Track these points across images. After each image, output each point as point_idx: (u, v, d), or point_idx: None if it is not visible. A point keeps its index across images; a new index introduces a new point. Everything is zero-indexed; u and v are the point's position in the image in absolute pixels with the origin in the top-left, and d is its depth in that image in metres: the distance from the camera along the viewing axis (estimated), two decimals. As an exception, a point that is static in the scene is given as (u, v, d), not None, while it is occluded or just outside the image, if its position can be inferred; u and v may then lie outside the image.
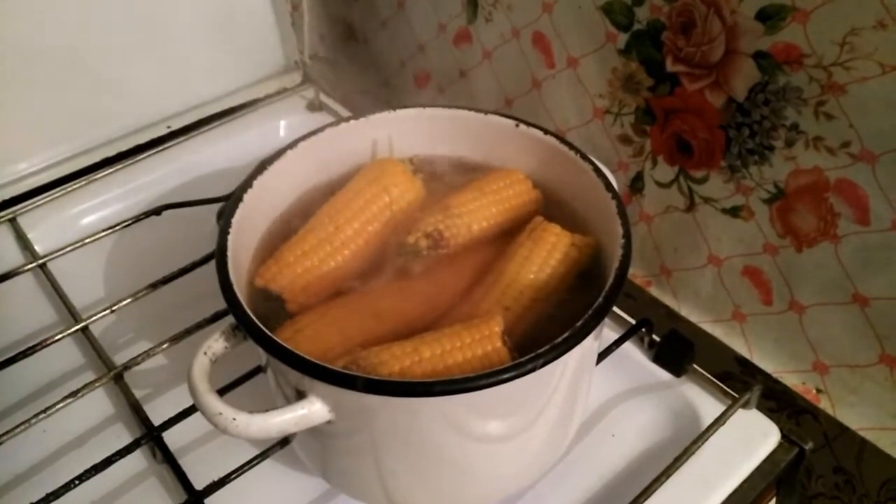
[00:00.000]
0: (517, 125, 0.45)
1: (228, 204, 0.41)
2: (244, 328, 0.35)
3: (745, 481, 0.47)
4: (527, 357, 0.33)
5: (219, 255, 0.38)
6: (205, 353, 0.36)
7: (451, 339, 0.36)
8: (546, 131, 0.45)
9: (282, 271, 0.41)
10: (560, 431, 0.42)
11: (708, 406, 0.50)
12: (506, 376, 0.32)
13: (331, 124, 0.46)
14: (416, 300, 0.42)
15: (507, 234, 0.44)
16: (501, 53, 0.66)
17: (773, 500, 0.50)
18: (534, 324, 0.41)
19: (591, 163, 0.43)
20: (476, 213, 0.43)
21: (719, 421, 0.48)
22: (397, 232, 0.44)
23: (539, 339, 0.34)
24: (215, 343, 0.36)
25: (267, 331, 0.34)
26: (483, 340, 0.36)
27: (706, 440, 0.47)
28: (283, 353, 0.33)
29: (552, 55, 0.61)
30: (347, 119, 0.47)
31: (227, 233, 0.39)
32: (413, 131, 0.47)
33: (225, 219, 0.40)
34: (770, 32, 0.46)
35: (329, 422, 0.35)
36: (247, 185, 0.42)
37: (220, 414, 0.34)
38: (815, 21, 0.43)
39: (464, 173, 0.47)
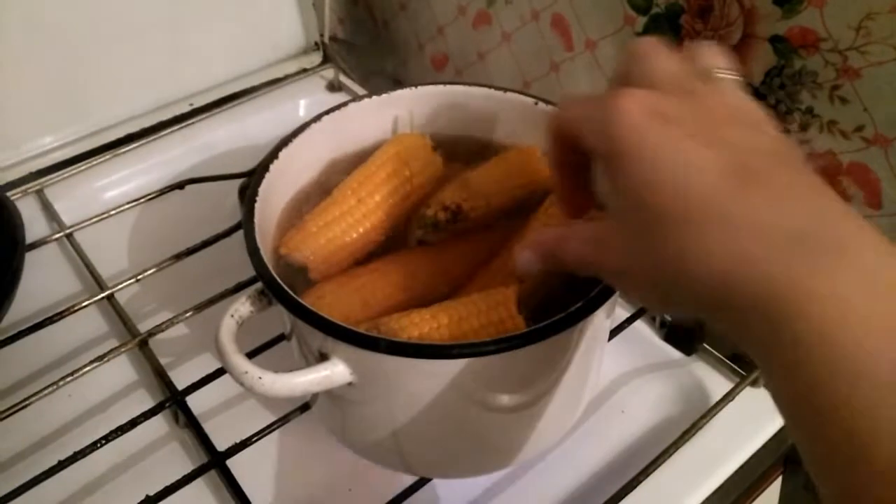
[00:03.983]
0: (536, 103, 0.46)
1: (255, 174, 0.42)
2: (270, 291, 0.36)
3: (751, 458, 0.48)
4: (542, 324, 0.34)
5: (246, 222, 0.39)
6: (231, 316, 0.37)
7: (467, 306, 0.37)
8: (564, 110, 0.46)
9: (305, 241, 0.42)
10: (572, 402, 0.44)
11: (717, 384, 0.51)
12: (524, 340, 0.33)
13: (353, 99, 0.47)
14: (435, 272, 0.43)
15: (525, 210, 0.45)
16: (520, 36, 0.67)
17: (780, 477, 0.51)
18: (548, 297, 0.42)
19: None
20: (494, 188, 0.44)
21: (727, 397, 0.49)
22: (417, 205, 0.45)
23: (553, 311, 0.35)
24: (242, 307, 0.38)
25: (292, 293, 0.36)
26: (499, 307, 0.37)
27: (714, 416, 0.48)
28: (308, 315, 0.34)
29: (571, 38, 0.61)
30: (369, 95, 0.48)
31: (255, 200, 0.40)
32: (433, 108, 0.48)
33: (252, 188, 0.41)
34: (787, 17, 0.47)
35: (350, 384, 0.36)
36: (273, 156, 0.43)
37: (247, 373, 0.35)
38: (831, 5, 0.44)
39: (483, 150, 0.48)
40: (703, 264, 0.25)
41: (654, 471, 0.45)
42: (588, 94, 0.30)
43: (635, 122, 0.26)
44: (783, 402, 0.24)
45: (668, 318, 0.54)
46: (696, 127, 0.26)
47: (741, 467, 0.47)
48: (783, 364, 0.23)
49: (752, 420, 0.49)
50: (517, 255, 0.34)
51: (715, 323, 0.26)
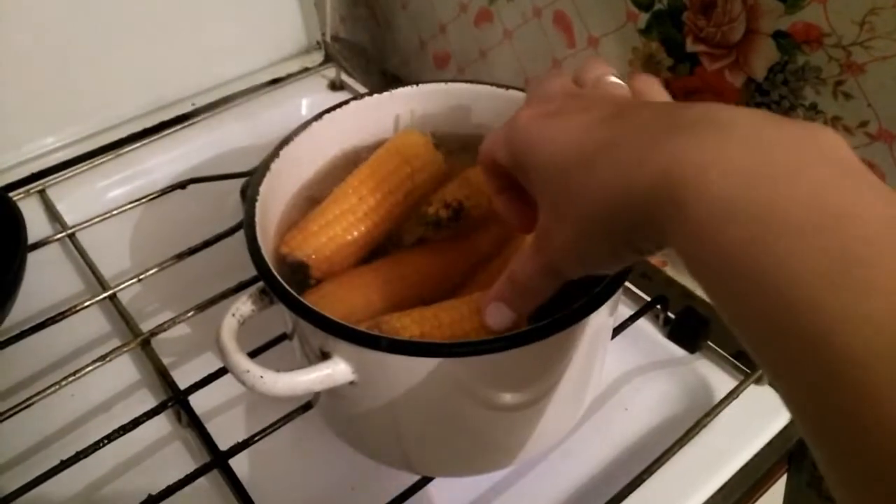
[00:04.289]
0: (538, 101, 0.46)
1: (256, 173, 0.42)
2: (271, 290, 0.36)
3: (756, 455, 0.48)
4: (544, 322, 0.34)
5: (247, 221, 0.39)
6: (233, 315, 0.37)
7: (469, 304, 0.37)
8: (566, 107, 0.46)
9: (307, 240, 0.42)
10: (575, 400, 0.43)
11: (721, 382, 0.51)
12: (526, 339, 0.33)
13: (354, 98, 0.47)
14: (436, 270, 0.43)
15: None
16: (522, 33, 0.66)
17: (784, 474, 0.51)
18: (551, 297, 0.42)
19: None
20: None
21: (732, 395, 0.48)
22: (418, 203, 0.44)
23: (556, 309, 0.35)
24: (243, 305, 0.38)
25: (293, 292, 0.35)
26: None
27: (718, 414, 0.48)
28: (309, 314, 0.34)
29: (573, 35, 0.61)
30: (371, 93, 0.48)
31: (256, 200, 0.40)
32: (435, 106, 0.48)
33: (253, 186, 0.41)
34: (790, 12, 0.46)
35: (352, 383, 0.36)
36: (274, 154, 0.43)
37: (248, 371, 0.35)
38: (834, 0, 0.44)
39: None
40: (604, 190, 0.26)
41: (657, 469, 0.45)
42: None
43: (524, 125, 0.31)
44: (708, 276, 0.24)
45: (672, 315, 0.54)
46: (573, 108, 0.30)
47: (745, 465, 0.47)
48: (694, 238, 0.23)
49: (757, 418, 0.49)
50: (488, 318, 0.36)
51: (643, 244, 0.27)
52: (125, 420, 0.47)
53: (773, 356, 0.22)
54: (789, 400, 0.22)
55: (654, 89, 0.33)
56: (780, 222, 0.21)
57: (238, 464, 0.45)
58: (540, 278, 0.32)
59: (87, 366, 0.50)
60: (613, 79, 0.34)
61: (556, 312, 0.34)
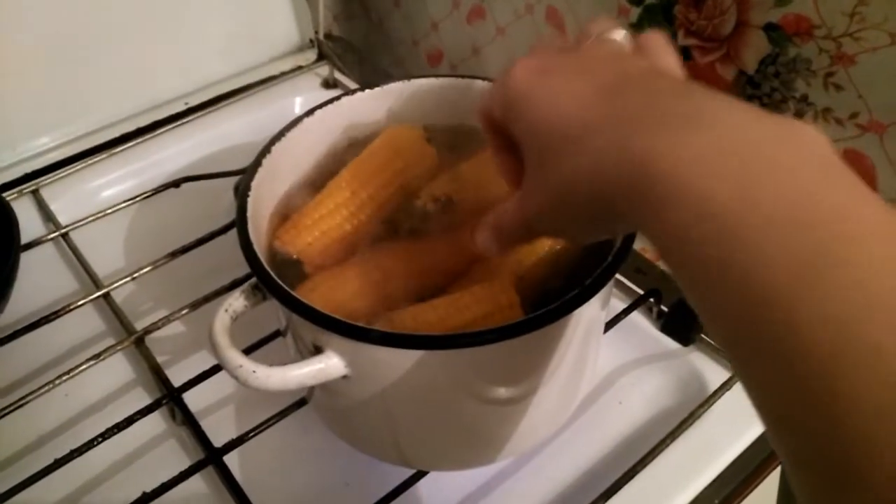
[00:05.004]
0: (529, 95, 0.46)
1: (248, 169, 0.42)
2: (263, 284, 0.36)
3: (750, 447, 0.48)
4: (535, 313, 0.34)
5: (239, 217, 0.39)
6: (226, 311, 0.37)
7: (463, 298, 0.37)
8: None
9: (300, 234, 0.42)
10: (568, 394, 0.43)
11: (715, 374, 0.51)
12: (518, 330, 0.33)
13: (346, 93, 0.47)
14: (428, 263, 0.43)
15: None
16: (515, 29, 0.67)
17: (778, 467, 0.51)
18: (544, 292, 0.42)
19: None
20: (485, 181, 0.44)
21: (725, 387, 0.49)
22: (410, 197, 0.44)
23: (548, 304, 0.35)
24: (236, 301, 0.38)
25: (286, 287, 0.35)
26: (495, 298, 0.37)
27: (711, 406, 0.48)
28: (301, 308, 0.34)
29: (565, 30, 0.61)
30: (363, 89, 0.48)
31: (247, 196, 0.40)
32: (427, 101, 0.48)
33: (244, 183, 0.41)
34: (780, 4, 0.46)
35: (345, 377, 0.36)
36: (266, 151, 0.43)
37: (241, 367, 0.35)
38: (824, -8, 0.44)
39: (476, 142, 0.48)
40: (584, 171, 0.27)
41: (651, 461, 0.45)
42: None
43: (520, 78, 0.31)
44: (681, 270, 0.24)
45: (665, 308, 0.54)
46: (571, 69, 0.30)
47: (739, 457, 0.47)
48: (669, 234, 0.23)
49: (750, 410, 0.48)
50: (476, 238, 0.36)
51: (616, 226, 0.28)
52: (119, 418, 0.47)
53: (741, 353, 0.22)
54: (755, 396, 0.22)
55: (661, 48, 0.33)
56: (759, 216, 0.21)
57: (232, 461, 0.45)
58: (516, 230, 0.33)
59: (81, 364, 0.50)
60: (616, 34, 0.33)
61: (549, 304, 0.34)
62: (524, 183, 0.32)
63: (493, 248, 0.35)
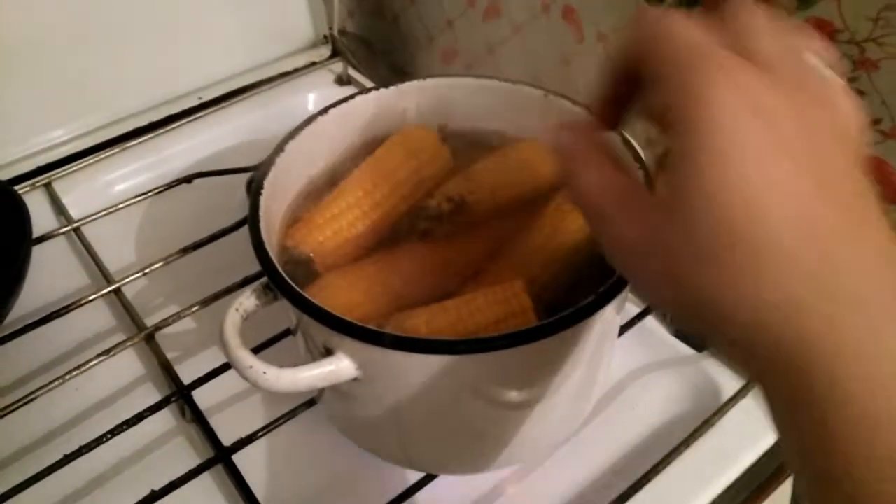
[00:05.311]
0: (546, 95, 0.45)
1: (261, 167, 0.42)
2: (275, 284, 0.36)
3: (763, 455, 0.47)
4: (550, 319, 0.33)
5: (251, 215, 0.39)
6: (236, 310, 0.37)
7: (475, 301, 0.37)
8: (575, 101, 0.45)
9: (312, 233, 0.41)
10: (581, 399, 0.43)
11: (729, 381, 0.50)
12: (532, 336, 0.33)
13: (361, 92, 0.47)
14: (440, 265, 0.42)
15: (532, 204, 0.44)
16: (531, 28, 0.66)
17: (791, 475, 0.50)
18: (558, 295, 0.41)
19: (620, 134, 0.43)
20: (500, 181, 0.44)
21: (739, 395, 0.48)
22: (424, 198, 0.44)
23: (562, 308, 0.34)
24: (247, 300, 0.37)
25: (297, 287, 0.35)
26: (508, 302, 0.36)
27: (725, 413, 0.47)
28: (313, 310, 0.34)
29: (582, 30, 0.61)
30: (378, 87, 0.47)
31: (260, 194, 0.40)
32: (442, 101, 0.48)
33: (257, 181, 0.41)
34: (803, 8, 0.46)
35: (356, 379, 0.36)
36: (279, 149, 0.43)
37: (251, 367, 0.34)
38: (848, -4, 0.43)
39: (491, 143, 0.48)
40: (750, 298, 0.22)
41: (664, 468, 0.45)
42: (693, 33, 0.24)
43: (729, 114, 0.22)
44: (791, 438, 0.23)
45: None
46: (795, 137, 0.22)
47: (753, 465, 0.47)
48: (818, 421, 0.22)
49: (764, 417, 0.48)
50: (555, 133, 0.29)
51: (725, 347, 0.24)
52: (129, 414, 0.47)
53: None
54: None
55: (811, 40, 0.26)
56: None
57: (241, 459, 0.45)
58: (581, 197, 0.27)
59: (92, 360, 0.49)
60: (818, 61, 0.25)
61: (562, 307, 0.34)
62: (636, 190, 0.26)
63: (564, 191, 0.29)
